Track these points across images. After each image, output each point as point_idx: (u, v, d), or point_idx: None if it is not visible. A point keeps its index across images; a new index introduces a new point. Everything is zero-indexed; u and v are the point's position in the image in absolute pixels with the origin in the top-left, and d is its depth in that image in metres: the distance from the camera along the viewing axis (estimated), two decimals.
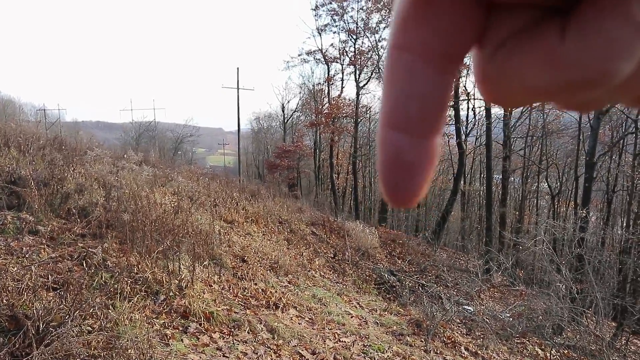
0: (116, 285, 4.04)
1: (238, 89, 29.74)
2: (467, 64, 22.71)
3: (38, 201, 5.35)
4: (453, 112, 22.65)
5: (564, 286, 7.74)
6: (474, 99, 23.85)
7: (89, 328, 3.12)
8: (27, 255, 4.10)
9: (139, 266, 4.60)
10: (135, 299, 4.00)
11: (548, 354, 7.08)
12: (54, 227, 5.08)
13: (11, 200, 5.45)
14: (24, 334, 2.64)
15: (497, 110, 21.60)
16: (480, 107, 23.21)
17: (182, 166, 17.49)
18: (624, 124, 19.37)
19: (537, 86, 0.22)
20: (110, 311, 3.49)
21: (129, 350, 3.02)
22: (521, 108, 22.40)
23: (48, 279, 3.70)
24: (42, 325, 2.71)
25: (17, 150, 7.51)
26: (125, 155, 12.04)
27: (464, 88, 23.26)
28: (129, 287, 4.13)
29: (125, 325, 3.45)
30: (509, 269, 9.94)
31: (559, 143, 25.14)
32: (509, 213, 23.76)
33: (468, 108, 24.88)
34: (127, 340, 3.10)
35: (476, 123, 25.15)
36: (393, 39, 0.24)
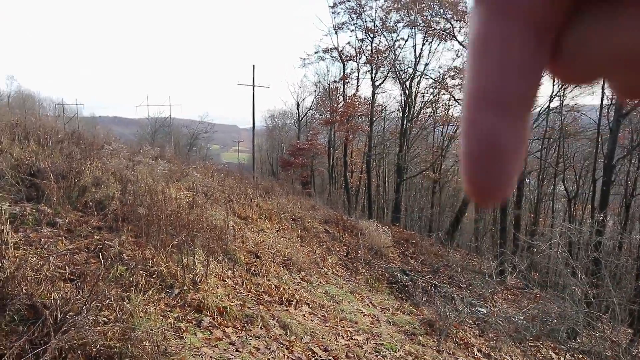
0: (131, 278, 4.08)
1: (253, 86, 29.86)
2: None
3: (56, 194, 5.42)
4: None
5: (579, 290, 7.62)
6: None
7: (105, 319, 3.16)
8: (45, 247, 4.16)
9: (154, 260, 4.64)
10: (150, 292, 4.03)
11: (562, 358, 6.99)
12: (71, 219, 5.14)
13: (30, 192, 5.53)
14: (43, 323, 2.68)
15: None
16: None
17: (197, 162, 17.61)
18: None
19: (630, 49, 0.19)
20: (125, 303, 3.52)
21: (144, 342, 3.04)
22: (538, 109, 22.15)
23: (65, 270, 3.75)
24: (60, 314, 2.75)
25: (36, 143, 7.62)
26: (141, 150, 12.15)
27: None
28: (144, 280, 4.17)
29: (140, 317, 3.48)
30: (523, 271, 9.83)
31: (576, 145, 24.78)
32: (524, 215, 23.51)
33: None
34: (142, 332, 3.13)
35: None
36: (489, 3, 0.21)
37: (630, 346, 8.34)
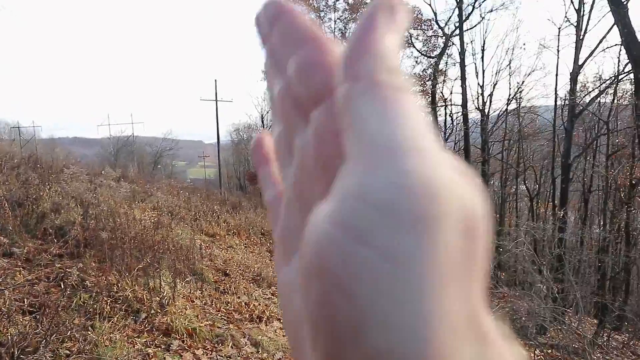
0: (95, 306, 3.97)
1: (217, 100, 29.65)
2: (443, 70, 22.97)
3: (12, 222, 5.23)
4: (431, 118, 22.89)
5: (545, 287, 7.85)
6: (451, 104, 24.22)
7: (67, 351, 3.05)
8: (1, 279, 4.00)
9: (119, 285, 4.53)
10: (115, 318, 3.93)
11: (532, 354, 7.16)
12: (29, 248, 4.97)
13: None
14: None
15: (474, 115, 21.99)
16: (457, 113, 23.58)
17: (162, 181, 17.31)
18: (596, 126, 19.85)
19: None
20: (89, 332, 3.42)
21: None
22: (497, 112, 22.85)
23: (24, 302, 3.61)
24: (17, 351, 2.64)
25: None
26: (103, 172, 11.87)
27: (441, 94, 23.60)
28: (108, 307, 4.05)
29: (106, 346, 3.39)
30: (491, 271, 10.04)
31: (535, 146, 25.60)
32: (490, 216, 23.99)
33: (445, 114, 25.25)
34: None
35: (454, 128, 25.48)
36: None
37: (596, 337, 8.62)
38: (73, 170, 10.30)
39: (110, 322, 3.79)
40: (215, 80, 30.68)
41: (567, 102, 16.89)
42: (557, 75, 18.36)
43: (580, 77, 16.36)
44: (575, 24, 15.45)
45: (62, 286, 4.15)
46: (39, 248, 5.12)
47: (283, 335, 5.15)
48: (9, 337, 2.75)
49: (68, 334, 3.22)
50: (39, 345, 2.76)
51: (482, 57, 22.18)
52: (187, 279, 5.51)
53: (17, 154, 10.94)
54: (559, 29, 17.27)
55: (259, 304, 5.83)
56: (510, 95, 22.56)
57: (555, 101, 19.11)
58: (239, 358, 4.17)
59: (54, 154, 17.56)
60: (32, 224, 5.71)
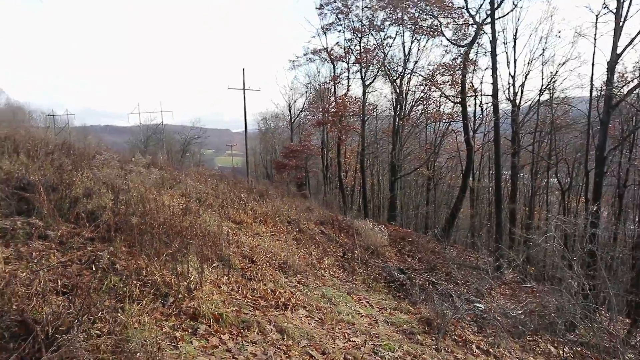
0: (125, 289, 4.05)
1: (244, 89, 29.82)
2: (474, 59, 22.42)
3: (47, 206, 5.38)
4: (461, 108, 22.52)
5: (575, 283, 7.63)
6: (481, 94, 23.70)
7: (98, 332, 3.12)
8: (36, 260, 4.12)
9: (148, 269, 4.61)
10: (144, 301, 4.00)
11: (561, 352, 7.01)
12: (63, 231, 5.10)
13: (21, 205, 5.49)
14: (34, 339, 2.64)
15: (504, 106, 21.46)
16: (487, 103, 23.04)
17: (190, 168, 17.54)
18: (634, 118, 19.12)
19: None
20: (119, 314, 3.49)
21: (138, 354, 3.02)
22: (529, 103, 22.27)
23: (57, 283, 3.71)
24: (52, 330, 2.72)
25: (26, 156, 7.57)
26: (133, 159, 12.08)
27: (470, 84, 23.10)
28: (137, 290, 4.13)
29: (135, 328, 3.45)
30: (519, 265, 9.84)
31: (568, 138, 24.90)
32: (519, 209, 23.57)
33: (475, 104, 24.71)
34: (136, 344, 3.10)
35: (484, 119, 24.97)
36: None
37: (628, 337, 8.37)
38: (104, 157, 10.52)
39: (139, 305, 3.86)
40: (243, 69, 30.90)
41: (603, 92, 16.29)
42: (593, 64, 17.61)
43: (618, 67, 15.67)
44: (614, 10, 14.78)
45: (94, 269, 4.26)
46: (72, 231, 5.25)
47: (308, 323, 5.17)
48: (44, 316, 2.83)
49: (99, 315, 3.30)
50: (72, 325, 2.83)
51: (514, 46, 21.59)
52: (214, 265, 5.57)
53: (52, 140, 11.22)
54: (597, 16, 16.55)
55: (285, 292, 5.86)
56: (542, 85, 21.93)
57: (591, 92, 18.43)
58: (264, 344, 4.19)
59: (87, 141, 17.95)
60: (65, 208, 5.86)
